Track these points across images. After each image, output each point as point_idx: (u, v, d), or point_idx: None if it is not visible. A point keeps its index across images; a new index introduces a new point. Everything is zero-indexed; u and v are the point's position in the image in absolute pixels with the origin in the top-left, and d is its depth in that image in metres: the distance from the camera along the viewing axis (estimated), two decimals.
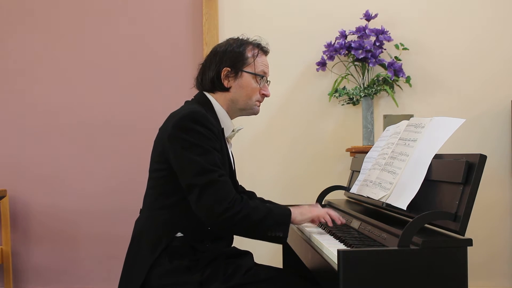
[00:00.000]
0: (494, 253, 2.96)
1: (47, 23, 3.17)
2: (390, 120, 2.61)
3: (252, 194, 2.13)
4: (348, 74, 2.95)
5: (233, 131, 1.87)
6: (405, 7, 3.02)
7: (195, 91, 1.90)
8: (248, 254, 1.81)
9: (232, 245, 1.85)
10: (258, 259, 1.85)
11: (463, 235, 1.38)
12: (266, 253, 2.70)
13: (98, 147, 3.16)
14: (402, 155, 1.73)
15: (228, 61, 1.80)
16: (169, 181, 1.70)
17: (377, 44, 2.86)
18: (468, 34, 2.99)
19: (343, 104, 2.99)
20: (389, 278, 1.32)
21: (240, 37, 1.87)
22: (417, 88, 3.01)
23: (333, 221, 1.80)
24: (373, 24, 2.92)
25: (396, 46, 2.96)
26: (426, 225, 1.46)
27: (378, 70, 2.94)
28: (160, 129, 1.79)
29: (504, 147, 2.96)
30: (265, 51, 1.88)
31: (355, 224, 1.86)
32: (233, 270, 1.66)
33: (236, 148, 2.73)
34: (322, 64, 2.96)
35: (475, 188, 1.40)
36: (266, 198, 2.13)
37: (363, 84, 2.92)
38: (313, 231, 1.85)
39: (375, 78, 2.89)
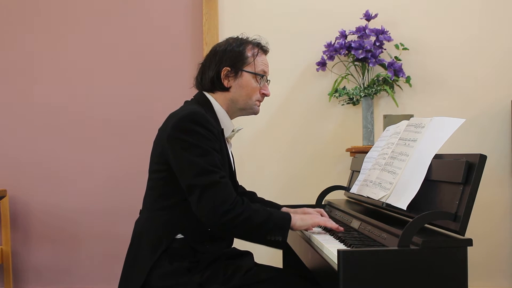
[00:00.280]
0: (494, 253, 2.96)
1: (47, 23, 3.17)
2: (390, 120, 2.61)
3: (252, 194, 2.12)
4: (348, 74, 2.95)
5: (233, 131, 1.86)
6: (405, 7, 3.02)
7: (195, 91, 1.89)
8: (248, 254, 1.81)
9: (232, 246, 1.85)
10: (258, 259, 1.85)
11: (463, 235, 1.38)
12: (266, 253, 2.69)
13: (98, 147, 3.16)
14: (402, 155, 1.73)
15: (228, 61, 1.79)
16: (169, 182, 1.70)
17: (377, 44, 2.86)
18: (468, 34, 2.99)
19: (343, 104, 2.99)
20: (389, 278, 1.32)
21: (240, 36, 1.86)
22: (417, 88, 3.01)
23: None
24: (373, 24, 2.92)
25: (396, 46, 2.96)
26: (426, 225, 1.46)
27: (378, 70, 2.94)
28: (159, 130, 1.78)
29: (503, 147, 2.96)
30: (265, 50, 1.87)
31: (355, 224, 1.86)
32: (233, 271, 1.66)
33: (236, 148, 2.73)
34: (322, 64, 2.96)
35: (475, 188, 1.40)
36: (266, 199, 2.13)
37: (363, 84, 2.92)
38: (313, 231, 1.85)
39: (375, 78, 2.89)
